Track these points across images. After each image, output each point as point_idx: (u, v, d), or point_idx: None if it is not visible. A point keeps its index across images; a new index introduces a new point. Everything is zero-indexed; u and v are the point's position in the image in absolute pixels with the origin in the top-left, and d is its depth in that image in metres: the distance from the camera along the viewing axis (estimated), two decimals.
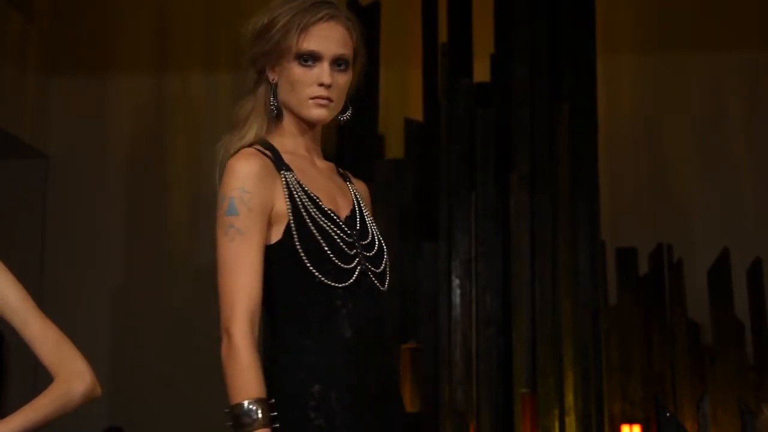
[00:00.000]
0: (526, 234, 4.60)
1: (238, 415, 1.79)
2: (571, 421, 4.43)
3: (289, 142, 2.04)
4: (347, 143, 5.04)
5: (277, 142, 2.02)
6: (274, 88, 2.03)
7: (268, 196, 1.91)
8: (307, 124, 2.05)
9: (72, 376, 1.95)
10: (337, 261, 1.93)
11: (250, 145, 1.98)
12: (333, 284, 1.92)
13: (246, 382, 1.80)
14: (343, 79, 2.03)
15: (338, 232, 1.96)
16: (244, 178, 1.90)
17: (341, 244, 1.94)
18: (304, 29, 1.99)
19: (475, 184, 4.71)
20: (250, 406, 1.79)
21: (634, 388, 4.81)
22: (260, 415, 1.79)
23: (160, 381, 5.84)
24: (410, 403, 4.59)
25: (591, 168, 4.74)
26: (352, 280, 1.94)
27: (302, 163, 2.03)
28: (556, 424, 4.43)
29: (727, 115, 5.88)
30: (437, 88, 5.01)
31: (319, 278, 1.91)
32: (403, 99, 5.73)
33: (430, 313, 4.63)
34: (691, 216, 5.77)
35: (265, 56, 2.02)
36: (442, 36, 5.12)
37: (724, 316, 4.82)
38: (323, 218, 1.95)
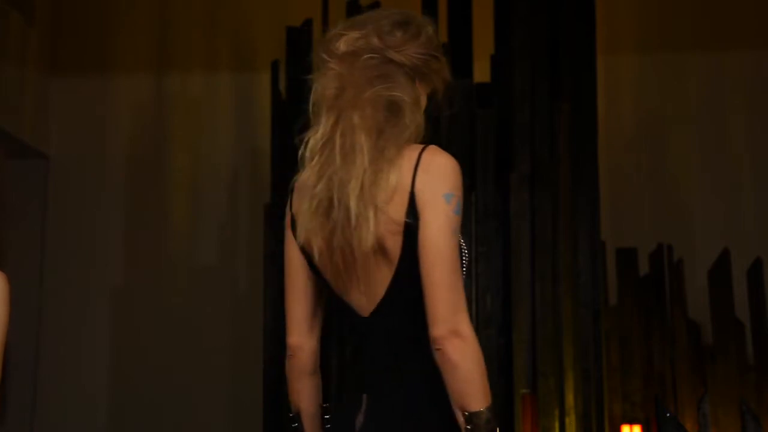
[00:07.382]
0: (526, 234, 4.60)
1: (490, 418, 1.73)
2: (571, 422, 4.43)
3: None
4: None
5: None
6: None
7: None
8: None
9: None
10: None
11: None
12: None
13: (487, 384, 1.75)
14: None
15: None
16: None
17: None
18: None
19: (475, 184, 4.71)
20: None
21: (634, 388, 4.81)
22: None
23: (160, 381, 5.83)
24: None
25: (591, 168, 4.73)
26: None
27: None
28: (557, 425, 4.43)
29: (728, 115, 5.87)
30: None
31: None
32: None
33: None
34: (691, 216, 5.77)
35: (424, 70, 2.13)
36: (442, 36, 5.11)
37: (724, 316, 4.82)
38: None
